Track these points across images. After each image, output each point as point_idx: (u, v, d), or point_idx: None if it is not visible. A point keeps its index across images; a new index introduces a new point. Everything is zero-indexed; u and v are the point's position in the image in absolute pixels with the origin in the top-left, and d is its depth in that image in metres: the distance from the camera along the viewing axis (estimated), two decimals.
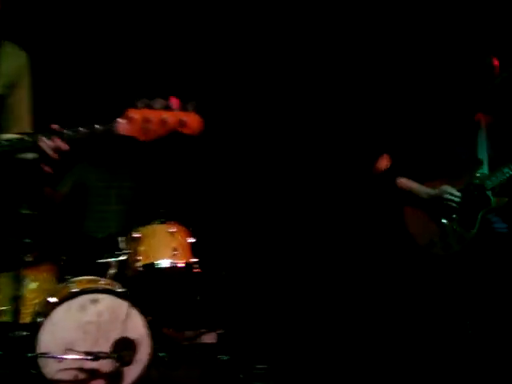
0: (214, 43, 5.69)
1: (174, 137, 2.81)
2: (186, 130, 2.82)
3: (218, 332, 4.91)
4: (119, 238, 4.67)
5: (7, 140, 2.87)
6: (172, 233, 4.58)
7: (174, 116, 2.78)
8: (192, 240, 4.68)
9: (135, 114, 2.77)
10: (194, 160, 5.77)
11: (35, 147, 2.79)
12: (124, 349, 4.00)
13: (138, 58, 5.62)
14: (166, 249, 4.53)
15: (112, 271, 4.53)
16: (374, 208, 5.29)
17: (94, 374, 3.98)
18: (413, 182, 4.09)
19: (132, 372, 4.06)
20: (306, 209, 5.84)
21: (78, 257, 4.78)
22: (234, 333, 5.05)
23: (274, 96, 5.81)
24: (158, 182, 5.47)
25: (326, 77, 5.69)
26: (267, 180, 5.80)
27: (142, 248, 4.53)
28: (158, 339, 4.53)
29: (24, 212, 4.47)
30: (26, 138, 2.83)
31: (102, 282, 4.31)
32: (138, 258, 4.48)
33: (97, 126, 2.78)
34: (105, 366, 3.97)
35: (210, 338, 4.94)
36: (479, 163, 3.95)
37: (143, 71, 5.59)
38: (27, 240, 4.53)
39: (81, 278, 4.34)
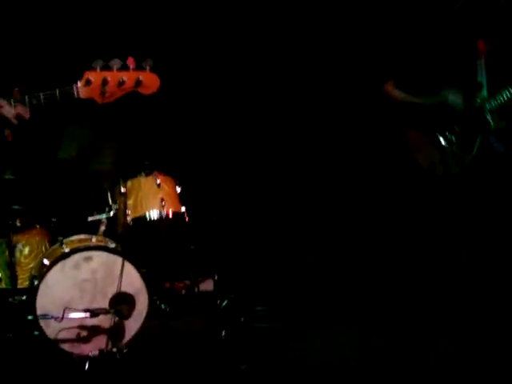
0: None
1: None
2: (143, 90, 2.85)
3: (215, 278, 4.94)
4: (108, 194, 4.65)
5: None
6: (158, 184, 4.56)
7: (131, 77, 2.81)
8: (179, 189, 4.68)
9: (93, 77, 2.79)
10: (175, 110, 5.71)
11: None
12: (122, 303, 4.01)
13: (92, 19, 5.49)
14: (153, 200, 4.51)
15: (102, 228, 4.52)
16: (379, 135, 5.27)
17: (95, 330, 4.02)
18: (415, 97, 4.21)
19: (132, 325, 4.09)
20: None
21: (67, 217, 4.77)
22: (230, 278, 5.08)
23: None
24: (142, 135, 5.43)
25: None
26: (248, 124, 5.74)
27: (129, 202, 4.52)
28: (156, 291, 4.57)
29: (8, 177, 4.45)
30: None
31: (94, 240, 4.30)
32: (127, 212, 4.48)
33: (57, 91, 2.76)
34: (105, 321, 4.00)
35: (207, 286, 4.97)
36: (479, 86, 3.99)
37: (98, 32, 5.46)
38: (16, 206, 4.53)
39: (72, 237, 4.34)
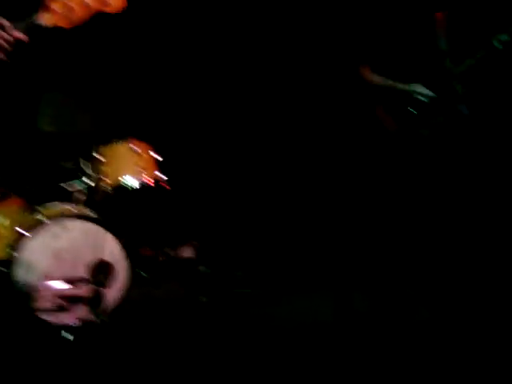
0: None
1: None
2: (109, 9, 2.75)
3: (195, 245, 4.93)
4: (84, 162, 4.58)
5: None
6: (137, 151, 4.50)
7: None
8: (156, 156, 4.63)
9: (54, 3, 2.71)
10: (157, 79, 5.60)
11: None
12: (101, 272, 4.00)
13: None
14: (132, 168, 4.47)
15: (81, 196, 4.46)
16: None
17: (74, 299, 3.99)
18: (387, 79, 4.26)
19: (112, 294, 4.07)
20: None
21: (45, 186, 4.71)
22: (211, 244, 5.07)
23: None
24: (121, 102, 5.34)
25: None
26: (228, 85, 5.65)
27: (107, 170, 4.47)
28: (136, 259, 4.54)
29: None
30: None
31: (72, 208, 4.26)
32: (105, 180, 4.44)
33: (17, 22, 2.71)
34: (84, 290, 3.98)
35: (187, 252, 4.95)
36: (443, 54, 4.04)
37: None
38: None
39: (50, 206, 4.29)
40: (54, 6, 2.70)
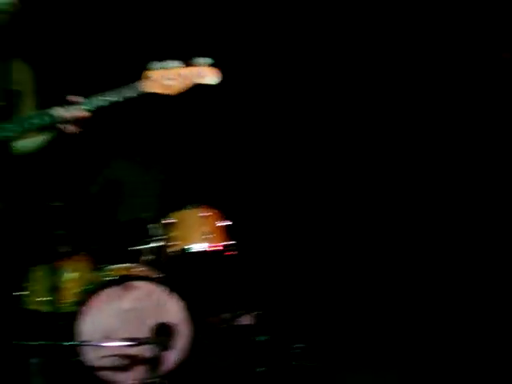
0: None
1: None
2: (205, 81, 2.88)
3: (255, 313, 4.90)
4: (152, 225, 4.67)
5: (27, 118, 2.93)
6: (205, 217, 4.59)
7: (190, 70, 2.87)
8: (225, 223, 4.68)
9: (153, 73, 2.87)
10: (226, 144, 5.72)
11: (54, 121, 2.87)
12: (163, 334, 4.00)
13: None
14: (199, 233, 4.53)
15: (147, 257, 4.54)
16: None
17: (133, 360, 4.02)
18: None
19: (171, 357, 4.09)
20: None
21: (112, 245, 4.81)
22: (271, 313, 5.04)
23: None
24: (190, 168, 5.45)
25: None
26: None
27: (175, 233, 4.54)
28: (197, 323, 4.55)
29: (54, 204, 4.50)
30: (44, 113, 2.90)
31: (138, 269, 4.33)
32: (173, 243, 4.50)
33: (121, 89, 2.85)
34: (144, 351, 3.98)
35: (247, 320, 4.93)
36: None
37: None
38: (61, 231, 4.56)
39: (117, 265, 4.36)
40: (152, 75, 2.87)
